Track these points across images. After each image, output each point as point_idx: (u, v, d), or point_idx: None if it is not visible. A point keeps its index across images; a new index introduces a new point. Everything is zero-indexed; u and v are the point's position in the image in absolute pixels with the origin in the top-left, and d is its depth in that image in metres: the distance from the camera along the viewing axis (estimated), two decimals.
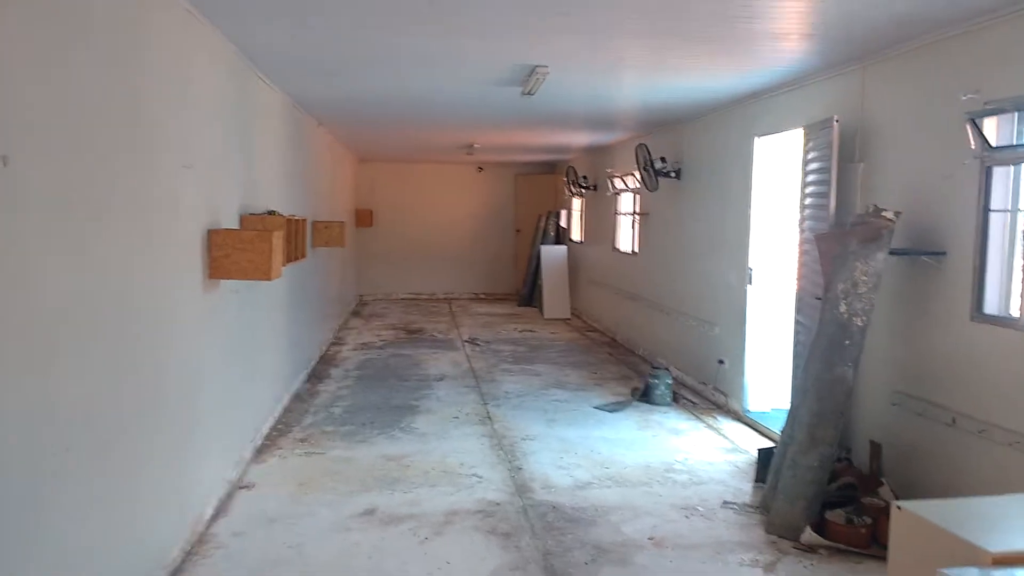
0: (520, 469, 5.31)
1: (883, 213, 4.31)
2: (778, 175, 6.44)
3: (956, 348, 4.08)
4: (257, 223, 5.11)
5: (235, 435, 5.12)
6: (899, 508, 2.71)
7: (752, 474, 5.15)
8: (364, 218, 14.61)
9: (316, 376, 8.16)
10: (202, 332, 4.30)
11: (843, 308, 4.28)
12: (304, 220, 6.11)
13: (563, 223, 14.29)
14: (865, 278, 4.26)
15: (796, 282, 5.68)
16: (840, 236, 4.49)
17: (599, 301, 11.85)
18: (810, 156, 5.48)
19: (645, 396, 7.14)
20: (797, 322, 5.61)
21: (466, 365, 8.89)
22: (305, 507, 4.62)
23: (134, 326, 3.31)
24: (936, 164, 4.28)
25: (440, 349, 9.94)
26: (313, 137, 8.70)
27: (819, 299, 4.97)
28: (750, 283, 6.50)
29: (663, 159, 8.33)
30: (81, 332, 2.82)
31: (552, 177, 15.48)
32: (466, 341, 10.55)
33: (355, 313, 13.27)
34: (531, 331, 11.53)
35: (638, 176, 9.57)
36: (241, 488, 4.90)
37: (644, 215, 9.58)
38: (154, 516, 3.58)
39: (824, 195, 5.20)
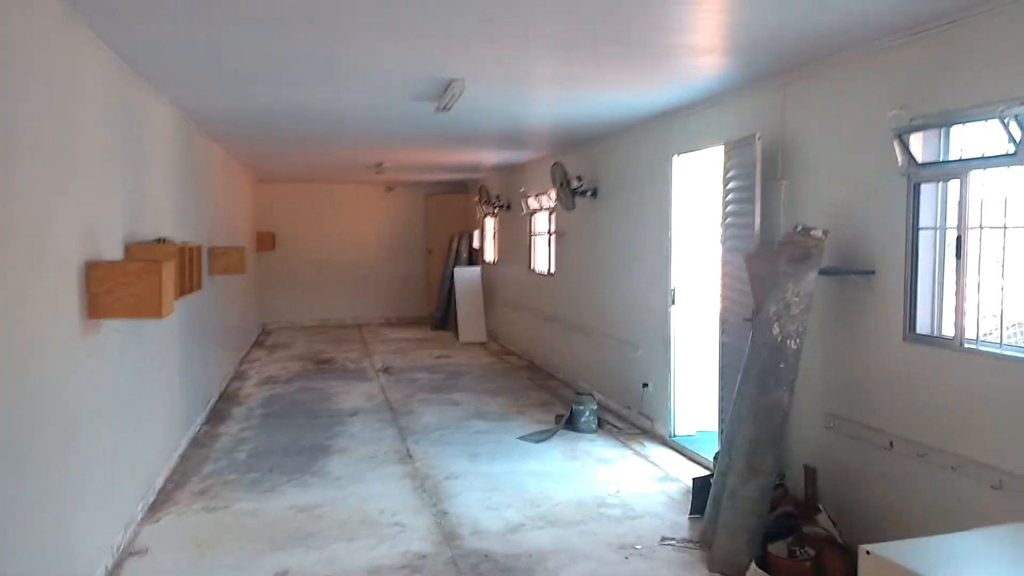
0: (446, 513, 4.94)
1: (812, 232, 4.23)
2: (698, 193, 6.38)
3: (891, 369, 4.01)
4: (145, 252, 4.57)
5: (123, 493, 4.53)
6: (868, 553, 2.52)
7: (687, 505, 4.96)
8: (265, 241, 13.90)
9: (216, 417, 7.52)
10: (79, 380, 3.74)
11: (776, 330, 4.16)
12: (199, 247, 5.57)
13: (476, 244, 14.01)
14: (797, 299, 4.16)
15: (720, 302, 5.58)
16: (769, 256, 4.39)
17: (516, 324, 11.61)
18: (731, 174, 5.40)
19: (570, 423, 6.90)
20: (722, 344, 5.50)
21: (381, 397, 8.43)
22: (205, 573, 4.09)
23: None
24: (862, 182, 4.24)
25: (352, 380, 9.43)
26: (207, 155, 8.09)
27: (747, 320, 4.85)
28: (673, 303, 6.39)
29: (579, 178, 8.19)
30: None
31: (463, 196, 15.20)
32: (379, 370, 10.06)
33: (258, 344, 12.53)
34: (447, 356, 11.16)
35: (553, 195, 9.42)
36: (131, 555, 4.32)
37: (560, 235, 9.41)
38: None
39: (746, 214, 5.12)
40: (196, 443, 6.56)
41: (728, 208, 5.42)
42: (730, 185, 5.40)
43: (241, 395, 8.56)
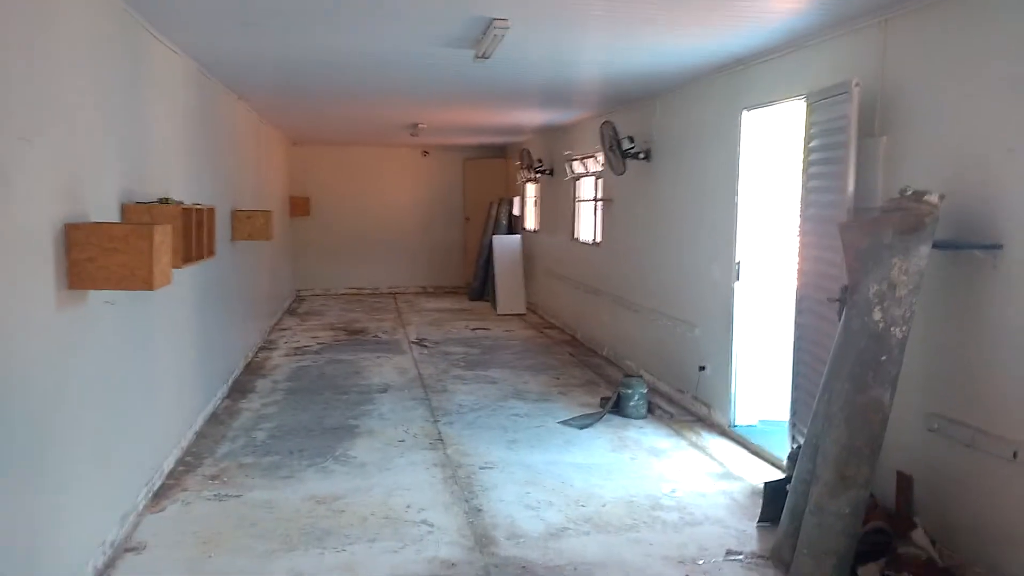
0: (479, 510, 4.39)
1: (925, 197, 3.50)
2: (770, 155, 5.63)
3: (1020, 364, 3.30)
4: (143, 214, 4.05)
5: (120, 480, 4.07)
6: None
7: (754, 510, 4.34)
8: (300, 206, 13.42)
9: (238, 390, 7.09)
10: (57, 358, 3.24)
11: (878, 315, 3.47)
12: (211, 209, 5.03)
13: (516, 211, 13.36)
14: (905, 277, 3.45)
15: (797, 278, 4.88)
16: (870, 226, 3.67)
17: (557, 295, 10.98)
18: (814, 130, 4.66)
19: (616, 407, 6.29)
20: (798, 325, 4.81)
21: (414, 372, 7.92)
22: None
23: None
24: (991, 138, 3.49)
25: (384, 352, 8.93)
26: (231, 114, 7.56)
27: (833, 300, 4.18)
28: (737, 279, 5.69)
29: (631, 138, 7.46)
30: None
31: (503, 162, 14.52)
32: (413, 342, 9.55)
33: (290, 311, 12.13)
34: (484, 329, 10.60)
35: (601, 159, 8.71)
36: (128, 551, 3.87)
37: (608, 201, 8.71)
38: None
39: (834, 176, 4.40)
40: (214, 419, 6.12)
41: (811, 171, 4.69)
42: (813, 143, 4.67)
43: (268, 366, 8.13)
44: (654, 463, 5.21)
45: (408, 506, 4.44)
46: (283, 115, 9.64)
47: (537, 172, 11.49)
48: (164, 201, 4.36)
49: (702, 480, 4.89)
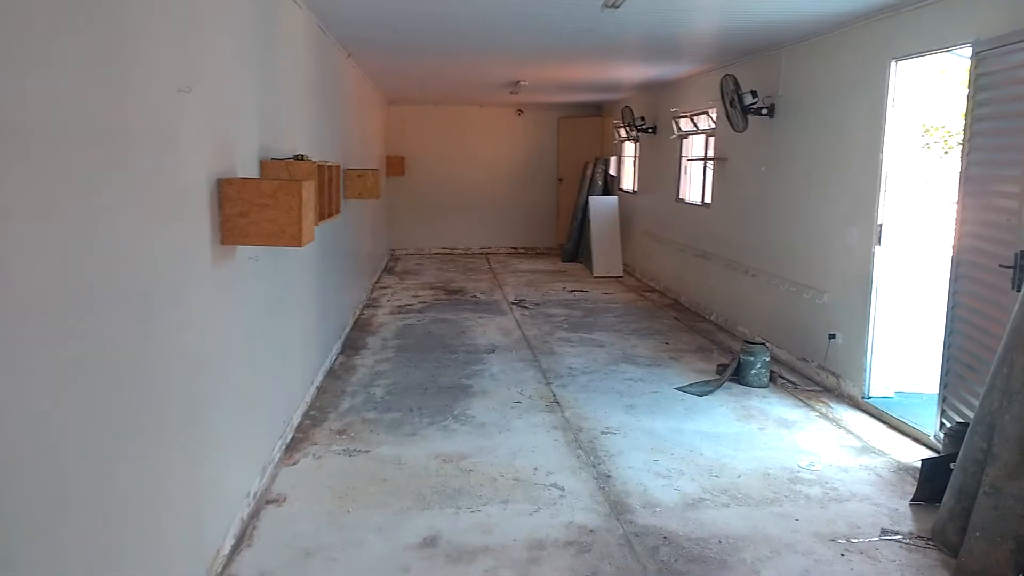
0: (609, 476, 4.30)
1: None
2: (922, 108, 5.22)
3: None
4: (281, 170, 4.05)
5: (261, 432, 4.16)
6: None
7: (901, 487, 4.10)
8: (395, 166, 13.48)
9: (351, 346, 7.19)
10: (212, 313, 3.28)
11: None
12: (338, 167, 5.03)
13: (612, 171, 13.05)
14: None
15: (954, 242, 4.52)
16: None
17: (657, 258, 10.71)
18: (984, 81, 4.27)
19: (736, 375, 6.07)
20: (955, 293, 4.47)
21: (518, 333, 7.86)
22: (349, 532, 3.66)
23: (112, 312, 2.29)
24: None
25: (485, 313, 8.91)
26: (342, 70, 7.56)
27: (1008, 267, 3.85)
28: (879, 243, 5.34)
29: (753, 93, 7.08)
30: (34, 322, 1.80)
31: (599, 120, 14.17)
32: (513, 303, 9.50)
33: (388, 270, 12.27)
34: (582, 291, 10.45)
35: (714, 115, 8.36)
36: (269, 503, 3.95)
37: (721, 160, 8.35)
38: (155, 561, 2.62)
39: (1009, 132, 4.05)
40: (332, 375, 6.22)
41: (976, 126, 4.31)
42: (982, 95, 4.27)
43: (375, 324, 8.23)
44: (785, 434, 4.99)
45: (535, 468, 4.39)
46: (385, 73, 9.59)
47: (639, 130, 11.14)
48: (299, 158, 4.35)
49: (840, 454, 4.65)
